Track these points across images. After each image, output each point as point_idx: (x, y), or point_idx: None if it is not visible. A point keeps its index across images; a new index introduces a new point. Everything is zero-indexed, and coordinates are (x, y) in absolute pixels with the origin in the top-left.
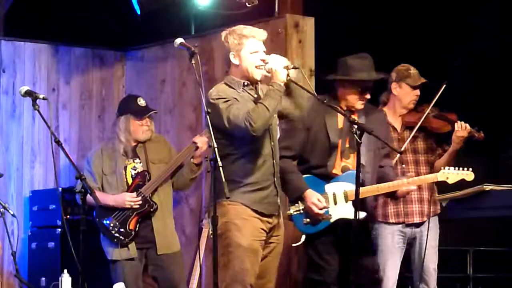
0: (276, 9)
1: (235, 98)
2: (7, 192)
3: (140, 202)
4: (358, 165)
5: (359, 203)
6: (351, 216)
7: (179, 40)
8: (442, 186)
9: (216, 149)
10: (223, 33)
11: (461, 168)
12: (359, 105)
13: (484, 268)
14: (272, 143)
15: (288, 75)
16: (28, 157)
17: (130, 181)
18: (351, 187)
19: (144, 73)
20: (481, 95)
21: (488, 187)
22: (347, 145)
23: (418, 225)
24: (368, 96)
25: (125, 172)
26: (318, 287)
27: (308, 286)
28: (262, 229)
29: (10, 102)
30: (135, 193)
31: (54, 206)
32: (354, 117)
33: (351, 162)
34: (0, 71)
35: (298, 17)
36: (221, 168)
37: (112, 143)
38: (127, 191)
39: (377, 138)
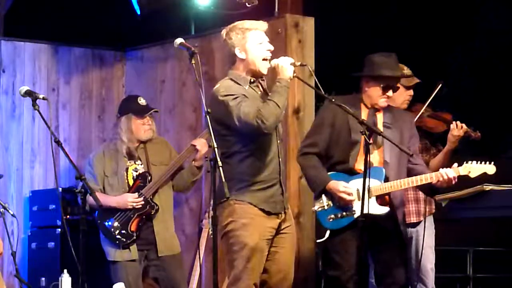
0: (276, 9)
1: (244, 95)
2: (7, 192)
3: (142, 202)
4: (366, 165)
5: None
6: (375, 212)
7: (179, 40)
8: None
9: (216, 149)
10: (224, 31)
11: (483, 162)
12: (382, 102)
13: (484, 268)
14: (279, 141)
15: (294, 71)
16: (28, 157)
17: (131, 182)
18: (374, 183)
19: (144, 73)
20: (480, 95)
21: (488, 187)
22: (371, 141)
23: (414, 225)
24: (390, 94)
25: (127, 174)
26: (335, 283)
27: (326, 282)
28: (270, 227)
29: (10, 102)
30: (136, 193)
31: (54, 206)
32: (379, 114)
33: (374, 157)
34: (0, 71)
35: (298, 17)
36: (221, 168)
37: (114, 144)
38: (128, 193)
39: (388, 140)
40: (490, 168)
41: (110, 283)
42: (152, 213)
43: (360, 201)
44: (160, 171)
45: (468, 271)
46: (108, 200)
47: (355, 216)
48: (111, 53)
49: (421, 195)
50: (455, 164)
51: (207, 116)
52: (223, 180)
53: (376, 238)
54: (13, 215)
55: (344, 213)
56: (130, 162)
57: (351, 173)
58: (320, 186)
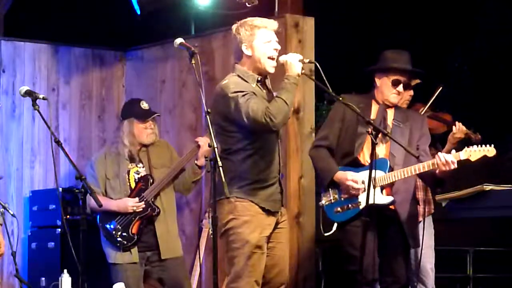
0: (276, 9)
1: (253, 92)
2: (7, 192)
3: (143, 206)
4: (371, 164)
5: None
6: (380, 202)
7: (179, 40)
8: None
9: (216, 149)
10: (234, 26)
11: (482, 145)
12: (393, 98)
13: (484, 268)
14: (279, 140)
15: (302, 68)
16: (28, 157)
17: (133, 185)
18: (379, 174)
19: (144, 73)
20: (480, 95)
21: (488, 187)
22: (377, 141)
23: None
24: (401, 89)
25: (128, 176)
26: (353, 277)
27: (344, 278)
28: (269, 225)
29: (10, 102)
30: (137, 198)
31: (54, 206)
32: (390, 111)
33: (380, 150)
34: (0, 71)
35: (298, 17)
36: (221, 168)
37: (115, 147)
38: (130, 195)
39: (394, 141)
40: (490, 150)
41: (110, 284)
42: (154, 215)
43: (366, 192)
44: (162, 173)
45: (468, 271)
46: (109, 204)
47: (361, 207)
48: (111, 53)
49: (420, 195)
50: (453, 151)
51: (207, 116)
52: (223, 180)
53: (380, 236)
54: (13, 215)
55: (350, 205)
56: (132, 165)
57: (356, 165)
58: (328, 176)
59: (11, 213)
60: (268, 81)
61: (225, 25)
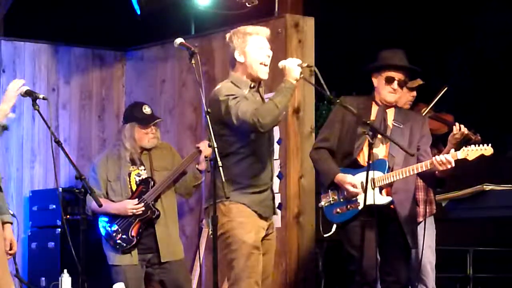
0: (276, 9)
1: (244, 97)
2: (7, 192)
3: (143, 208)
4: (369, 165)
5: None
6: (379, 202)
7: (179, 40)
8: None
9: (216, 149)
10: (227, 35)
11: (480, 145)
12: (389, 96)
13: (484, 268)
14: (271, 148)
15: (301, 73)
16: (28, 157)
17: (134, 187)
18: (378, 175)
19: (144, 73)
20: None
21: (488, 187)
22: (373, 141)
23: None
24: (395, 86)
25: (129, 179)
26: (353, 277)
27: (345, 278)
28: (262, 227)
29: None
30: (136, 199)
31: (54, 206)
32: (390, 112)
33: (380, 150)
34: (0, 71)
35: (298, 17)
36: (221, 168)
37: (117, 149)
38: (130, 198)
39: (392, 141)
40: (487, 149)
41: (110, 284)
42: (153, 218)
43: (374, 192)
44: (163, 176)
45: (468, 271)
46: (108, 207)
47: (360, 208)
48: (111, 53)
49: (421, 196)
50: (452, 150)
51: (207, 116)
52: (223, 180)
53: (381, 235)
54: (13, 215)
55: (349, 206)
56: (133, 167)
57: (356, 166)
58: (329, 178)
59: (11, 213)
60: (262, 89)
61: (225, 25)
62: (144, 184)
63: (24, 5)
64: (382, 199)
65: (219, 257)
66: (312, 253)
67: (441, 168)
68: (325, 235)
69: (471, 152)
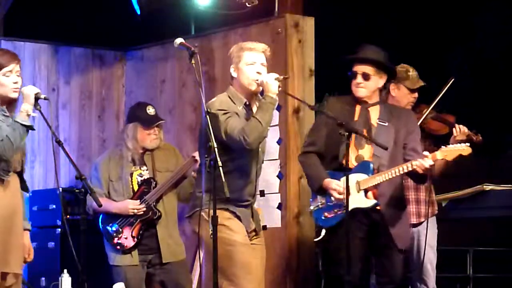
0: (276, 9)
1: (236, 113)
2: None
3: (144, 209)
4: (347, 164)
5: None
6: (363, 205)
7: (179, 40)
8: (442, 186)
9: (216, 149)
10: (231, 49)
11: (458, 144)
12: (357, 92)
13: (484, 268)
14: (258, 166)
15: (279, 86)
16: (28, 157)
17: (136, 187)
18: (362, 177)
19: (144, 73)
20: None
21: (488, 187)
22: (349, 140)
23: (415, 225)
24: (359, 80)
25: (131, 179)
26: (341, 281)
27: (329, 281)
28: (244, 227)
29: None
30: (138, 200)
31: (54, 206)
32: (374, 110)
33: (365, 151)
34: None
35: (298, 17)
36: (221, 168)
37: (119, 149)
38: (132, 198)
39: (372, 140)
40: (466, 149)
41: (110, 284)
42: (155, 219)
43: (350, 196)
44: (165, 177)
45: (468, 271)
46: (110, 206)
47: (345, 211)
48: (111, 53)
49: (422, 196)
50: (427, 152)
51: (207, 116)
52: (223, 179)
53: (371, 238)
54: None
55: (336, 210)
56: (135, 168)
57: (341, 169)
58: (317, 183)
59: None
60: (255, 108)
61: (225, 25)
62: (146, 184)
63: (24, 5)
64: (367, 202)
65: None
66: (312, 253)
67: (421, 171)
68: (315, 240)
69: (450, 152)
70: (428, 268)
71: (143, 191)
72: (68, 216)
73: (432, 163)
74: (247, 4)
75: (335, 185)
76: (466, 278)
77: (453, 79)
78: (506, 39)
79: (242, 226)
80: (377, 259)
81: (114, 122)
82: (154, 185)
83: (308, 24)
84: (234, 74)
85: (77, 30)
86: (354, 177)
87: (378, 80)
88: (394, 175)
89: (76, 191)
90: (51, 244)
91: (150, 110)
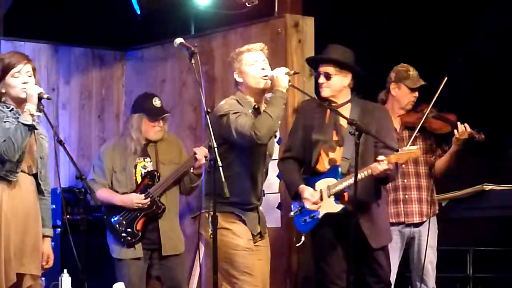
0: (276, 9)
1: (245, 113)
2: None
3: (148, 203)
4: (356, 165)
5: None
6: (333, 210)
7: (179, 40)
8: (442, 186)
9: (216, 149)
10: (229, 59)
11: (408, 146)
12: (321, 92)
13: (484, 268)
14: (264, 169)
15: (289, 81)
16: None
17: (139, 179)
18: (333, 182)
19: (144, 73)
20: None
21: (488, 187)
22: (336, 138)
23: (417, 225)
24: (322, 80)
25: (135, 171)
26: (324, 285)
27: (310, 285)
28: (249, 230)
29: None
30: (143, 194)
31: (54, 206)
32: (345, 111)
33: (337, 154)
34: None
35: (298, 17)
36: (220, 168)
37: (124, 140)
38: (135, 190)
39: (375, 138)
40: (415, 151)
41: (110, 283)
42: (159, 213)
43: (323, 201)
44: (169, 170)
45: (468, 271)
46: (114, 198)
47: (319, 216)
48: (111, 53)
49: (424, 196)
50: (382, 157)
51: (207, 116)
52: (223, 179)
53: (353, 239)
54: None
55: (312, 215)
56: (139, 159)
57: (315, 174)
58: (292, 190)
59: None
60: (263, 107)
61: (225, 25)
62: (150, 177)
63: (24, 5)
64: (336, 207)
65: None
66: (312, 253)
67: (375, 175)
68: (297, 245)
69: (401, 156)
70: (428, 268)
71: (146, 184)
72: (68, 216)
73: (386, 167)
74: (247, 4)
75: (308, 194)
76: (466, 278)
77: (446, 78)
78: (506, 39)
79: (246, 230)
80: (362, 260)
81: (114, 122)
82: (157, 178)
83: (308, 24)
84: (239, 79)
85: (77, 30)
86: (325, 182)
87: (341, 79)
88: (351, 181)
89: (76, 191)
90: (51, 244)
91: (157, 102)
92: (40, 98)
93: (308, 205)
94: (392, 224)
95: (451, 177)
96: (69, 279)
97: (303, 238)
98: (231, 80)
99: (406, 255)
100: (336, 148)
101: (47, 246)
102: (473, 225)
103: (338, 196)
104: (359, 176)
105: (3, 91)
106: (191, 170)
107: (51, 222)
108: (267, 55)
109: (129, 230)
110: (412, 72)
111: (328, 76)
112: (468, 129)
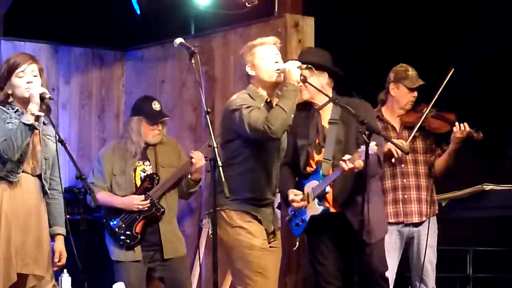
0: (276, 9)
1: (258, 107)
2: None
3: (148, 205)
4: (366, 165)
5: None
6: (316, 212)
7: (179, 40)
8: (442, 186)
9: (216, 149)
10: (241, 51)
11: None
12: (302, 95)
13: (484, 268)
14: (279, 164)
15: (301, 75)
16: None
17: (138, 183)
18: (313, 184)
19: (144, 73)
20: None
21: (488, 187)
22: (318, 141)
23: (416, 224)
24: (299, 84)
25: (135, 174)
26: (318, 285)
27: (310, 285)
28: (264, 229)
29: None
30: (143, 196)
31: None
32: (325, 112)
33: (322, 156)
34: None
35: (297, 17)
36: (220, 168)
37: (124, 142)
38: (135, 193)
39: (385, 138)
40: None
41: (110, 283)
42: (158, 215)
43: (309, 203)
44: (168, 173)
45: (468, 271)
46: (114, 200)
47: (307, 219)
48: (111, 53)
49: (423, 195)
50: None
51: (207, 116)
52: (223, 180)
53: (341, 240)
54: None
55: (302, 218)
56: (138, 162)
57: (305, 177)
58: (283, 195)
59: None
60: (275, 101)
61: (225, 25)
62: (149, 180)
63: (24, 5)
64: (318, 209)
65: (221, 256)
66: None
67: (348, 173)
68: (293, 249)
69: (357, 162)
70: (428, 268)
71: (146, 187)
72: (68, 216)
73: (351, 166)
74: (247, 4)
75: (292, 196)
76: (466, 278)
77: (453, 70)
78: (506, 39)
79: (262, 229)
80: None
81: (114, 122)
82: (157, 181)
83: (308, 24)
84: (251, 73)
85: (77, 30)
86: (310, 185)
87: (317, 79)
88: (329, 181)
89: (76, 191)
90: (51, 244)
91: (156, 106)
92: (42, 98)
93: (295, 205)
94: (391, 224)
95: (451, 177)
96: (69, 279)
97: (297, 241)
98: (231, 80)
99: (405, 255)
100: (321, 150)
101: (59, 244)
102: (473, 225)
103: (321, 198)
104: (333, 176)
105: (10, 92)
106: (189, 176)
107: (63, 221)
108: (280, 48)
109: (128, 233)
110: (411, 72)
111: (304, 79)
112: (467, 128)
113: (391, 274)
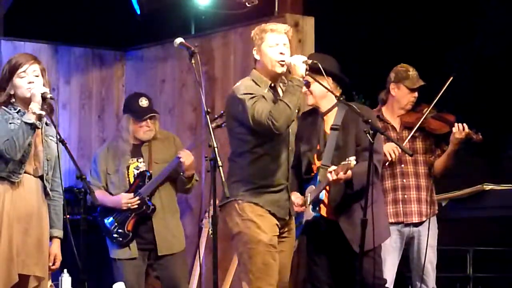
0: (276, 9)
1: (262, 96)
2: None
3: (138, 203)
4: (369, 166)
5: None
6: (308, 217)
7: (179, 40)
8: (442, 186)
9: (215, 149)
10: (252, 32)
11: (347, 159)
12: (307, 101)
13: (484, 268)
14: (290, 148)
15: (307, 69)
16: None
17: (132, 180)
18: (311, 189)
19: (144, 73)
20: (480, 95)
21: (488, 187)
22: (318, 147)
23: (416, 224)
24: (304, 89)
25: (128, 172)
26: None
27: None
28: (276, 224)
29: None
30: (132, 194)
31: None
32: (329, 118)
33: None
34: (0, 71)
35: (298, 17)
36: (220, 168)
37: (116, 141)
38: (128, 191)
39: (390, 139)
40: (351, 162)
41: (110, 283)
42: (149, 213)
43: (306, 208)
44: (163, 169)
45: (468, 271)
46: (105, 200)
47: (303, 222)
48: (111, 53)
49: (423, 196)
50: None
51: (207, 116)
52: (223, 179)
53: (336, 245)
54: None
55: (300, 221)
56: (132, 160)
57: (307, 181)
58: None
59: None
60: (280, 89)
61: (225, 25)
62: (140, 177)
63: (24, 5)
64: (310, 214)
65: (221, 255)
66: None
67: (333, 184)
68: (293, 249)
69: (341, 167)
70: (428, 268)
71: (138, 185)
72: (68, 216)
73: (335, 177)
74: (247, 4)
75: (294, 198)
76: (466, 278)
77: (452, 77)
78: (506, 39)
79: (273, 224)
80: (347, 263)
81: (114, 122)
82: (148, 178)
83: (308, 24)
84: (257, 57)
85: (77, 30)
86: (309, 189)
87: (322, 83)
88: (322, 187)
89: (76, 191)
90: (51, 244)
91: (143, 102)
92: (44, 98)
93: (295, 208)
94: (392, 224)
95: (451, 177)
96: (69, 279)
97: (296, 243)
98: (231, 80)
99: (406, 255)
100: (322, 156)
101: (55, 247)
102: (473, 225)
103: (315, 204)
104: (323, 185)
105: (12, 92)
106: (182, 175)
107: (61, 223)
108: (291, 38)
109: (120, 231)
110: (412, 72)
111: (307, 84)
112: (466, 130)
113: (391, 274)
